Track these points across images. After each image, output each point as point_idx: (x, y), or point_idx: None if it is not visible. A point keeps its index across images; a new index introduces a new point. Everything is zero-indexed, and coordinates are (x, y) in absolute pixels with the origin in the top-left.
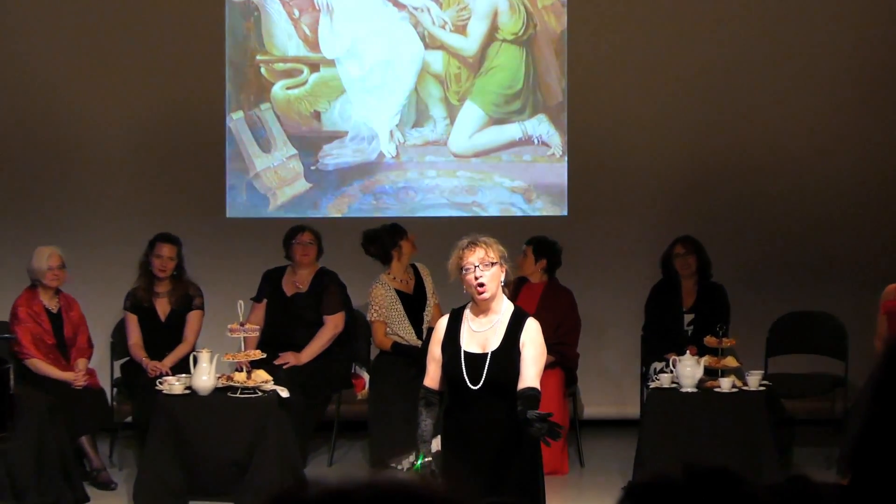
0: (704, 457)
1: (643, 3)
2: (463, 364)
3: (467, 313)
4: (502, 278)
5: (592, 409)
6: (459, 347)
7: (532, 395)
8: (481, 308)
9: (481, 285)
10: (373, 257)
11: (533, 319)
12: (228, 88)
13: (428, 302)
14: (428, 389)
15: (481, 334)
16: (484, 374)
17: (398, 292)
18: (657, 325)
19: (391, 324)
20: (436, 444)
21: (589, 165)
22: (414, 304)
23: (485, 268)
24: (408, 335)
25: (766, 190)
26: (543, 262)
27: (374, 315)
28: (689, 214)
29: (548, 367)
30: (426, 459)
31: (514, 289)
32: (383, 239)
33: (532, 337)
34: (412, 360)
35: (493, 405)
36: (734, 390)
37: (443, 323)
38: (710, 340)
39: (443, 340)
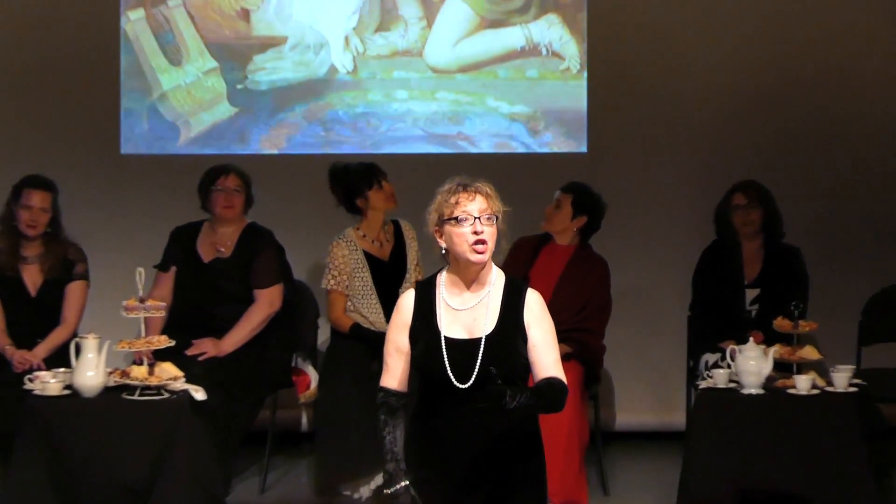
0: (772, 482)
1: None
2: (445, 355)
3: (442, 287)
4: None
5: (620, 417)
6: (438, 333)
7: (555, 384)
8: (465, 277)
9: (481, 242)
10: (340, 204)
11: (533, 290)
12: None
13: (408, 275)
14: (389, 392)
15: (466, 314)
16: (477, 368)
17: (367, 256)
18: (709, 304)
19: (354, 297)
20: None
21: (616, 85)
22: (388, 274)
23: (487, 221)
24: (374, 316)
25: (854, 125)
26: (583, 219)
27: (332, 282)
28: (750, 154)
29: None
30: (401, 485)
31: (529, 249)
32: (349, 180)
33: (538, 314)
34: (377, 350)
35: (488, 410)
36: (815, 392)
37: (407, 301)
38: (781, 324)
39: (412, 324)
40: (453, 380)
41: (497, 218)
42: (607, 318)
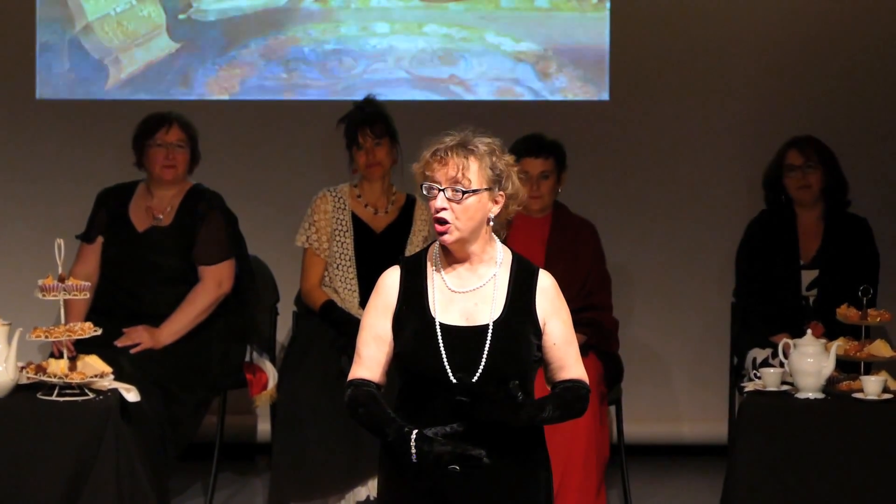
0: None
1: None
2: (441, 345)
3: (435, 263)
4: (491, 214)
5: (646, 426)
6: (431, 318)
7: (575, 389)
8: (458, 254)
9: (441, 222)
10: None
11: (546, 273)
12: None
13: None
14: (359, 382)
15: (465, 297)
16: (483, 360)
17: (356, 220)
18: (757, 289)
19: (332, 269)
20: (366, 491)
21: (644, 19)
22: (374, 249)
23: (455, 195)
24: (348, 294)
25: None
26: (564, 177)
27: (309, 240)
28: (807, 107)
29: None
30: (407, 428)
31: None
32: (346, 125)
33: (555, 303)
34: (349, 339)
35: (500, 424)
36: (886, 397)
37: (391, 280)
38: (847, 313)
39: (396, 307)
40: (451, 375)
41: (486, 188)
42: (611, 288)
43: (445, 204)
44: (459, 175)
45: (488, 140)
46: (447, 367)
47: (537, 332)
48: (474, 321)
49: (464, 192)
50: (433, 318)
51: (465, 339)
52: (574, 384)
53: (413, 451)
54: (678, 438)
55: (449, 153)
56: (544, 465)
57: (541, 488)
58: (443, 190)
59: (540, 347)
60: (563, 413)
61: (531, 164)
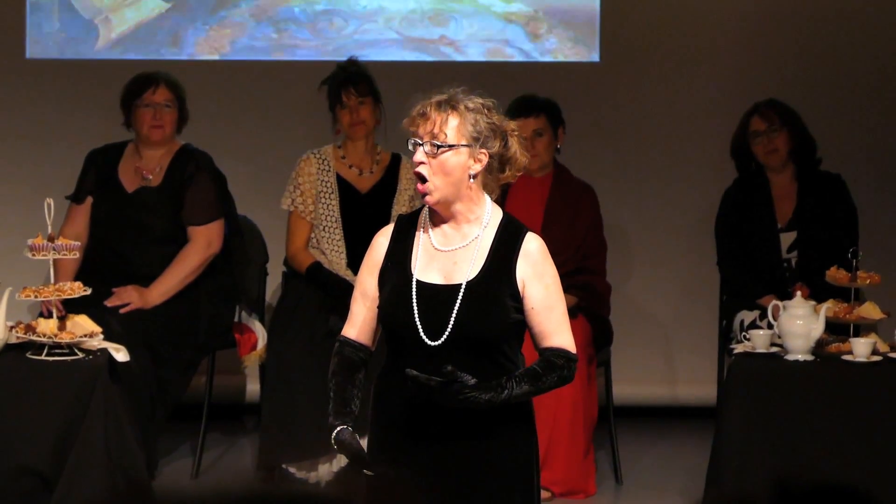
0: (823, 471)
1: None
2: (415, 302)
3: (425, 221)
4: (471, 172)
5: (635, 389)
6: (410, 275)
7: (563, 361)
8: (445, 213)
9: (421, 180)
10: None
11: (534, 236)
12: None
13: (392, 219)
14: (346, 341)
15: (446, 256)
16: (452, 321)
17: (340, 181)
18: (740, 254)
19: (317, 228)
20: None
21: None
22: (360, 209)
23: (433, 149)
24: (335, 255)
25: None
26: (561, 134)
27: (294, 203)
28: (796, 64)
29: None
30: (339, 428)
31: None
32: (329, 86)
33: (538, 266)
34: (337, 300)
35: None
36: (876, 359)
37: (384, 237)
38: (836, 275)
39: (382, 264)
40: (422, 334)
41: (468, 145)
42: (606, 254)
43: (423, 158)
44: (437, 130)
45: (480, 100)
46: (418, 324)
47: (515, 294)
48: (451, 280)
49: (439, 147)
50: (412, 276)
51: (437, 297)
52: (551, 353)
53: (333, 444)
54: (668, 400)
55: (430, 108)
56: (529, 430)
57: (525, 453)
58: (422, 144)
59: (518, 310)
60: (533, 386)
61: (525, 123)
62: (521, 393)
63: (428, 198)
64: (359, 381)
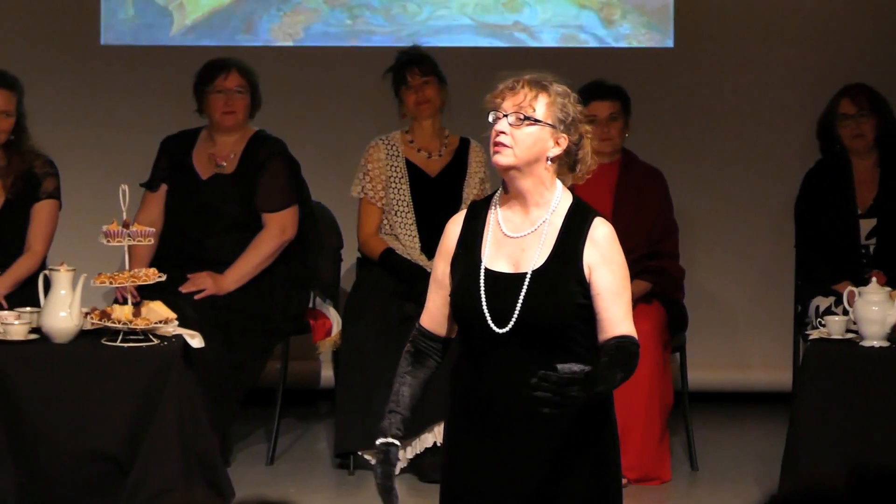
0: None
1: None
2: (483, 290)
3: (496, 207)
4: (550, 154)
5: (710, 374)
6: (478, 263)
7: (626, 347)
8: (515, 195)
9: (498, 144)
10: None
11: (603, 221)
12: None
13: (464, 203)
14: (422, 331)
15: (516, 243)
16: (518, 309)
17: (409, 166)
18: (818, 238)
19: (388, 213)
20: (431, 437)
21: None
22: (430, 193)
23: (517, 121)
24: (410, 243)
25: None
26: (629, 120)
27: (364, 189)
28: (873, 52)
29: (637, 301)
30: (383, 441)
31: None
32: (393, 70)
33: (606, 252)
34: (411, 285)
35: (532, 363)
36: None
37: (455, 224)
38: None
39: (454, 252)
40: (490, 322)
41: (550, 124)
42: (677, 237)
43: (507, 129)
44: (525, 103)
45: (566, 87)
46: (486, 312)
47: (581, 280)
48: (518, 268)
49: (525, 118)
50: (480, 263)
51: (504, 285)
52: (623, 342)
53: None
54: (743, 386)
55: (521, 83)
56: (594, 416)
57: (605, 441)
58: (506, 115)
59: (585, 296)
60: (623, 373)
61: (599, 106)
62: (617, 381)
63: (499, 157)
64: (424, 378)
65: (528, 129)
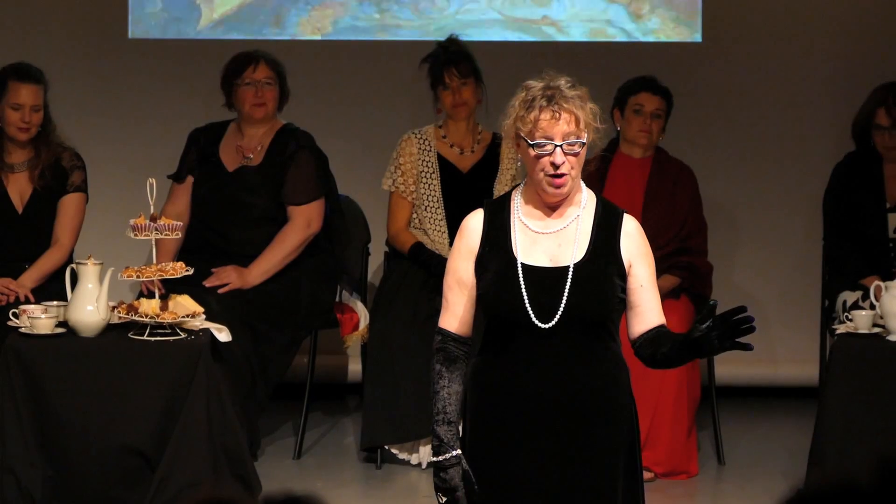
0: None
1: None
2: (523, 286)
3: (518, 204)
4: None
5: (737, 369)
6: (514, 259)
7: (670, 334)
8: (546, 196)
9: (559, 177)
10: None
11: (630, 216)
12: None
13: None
14: (448, 335)
15: (549, 238)
16: (563, 303)
17: (441, 161)
18: (846, 233)
19: (419, 208)
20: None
21: None
22: (461, 188)
23: (570, 148)
24: (437, 235)
25: None
26: (666, 125)
27: (393, 183)
28: None
29: (665, 296)
30: (452, 454)
31: (594, 167)
32: (430, 65)
33: (641, 247)
34: (439, 280)
35: (577, 356)
36: None
37: (475, 222)
38: None
39: (479, 250)
40: (532, 317)
41: (584, 143)
42: (707, 233)
43: (563, 160)
44: (573, 129)
45: (584, 90)
46: (528, 308)
47: (622, 274)
48: (558, 262)
49: (583, 145)
50: (515, 259)
51: (546, 280)
52: (654, 333)
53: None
54: (770, 380)
55: (563, 104)
56: (626, 411)
57: (621, 435)
58: (559, 146)
59: (624, 290)
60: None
61: (648, 99)
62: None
63: (563, 190)
64: (461, 383)
65: (577, 153)
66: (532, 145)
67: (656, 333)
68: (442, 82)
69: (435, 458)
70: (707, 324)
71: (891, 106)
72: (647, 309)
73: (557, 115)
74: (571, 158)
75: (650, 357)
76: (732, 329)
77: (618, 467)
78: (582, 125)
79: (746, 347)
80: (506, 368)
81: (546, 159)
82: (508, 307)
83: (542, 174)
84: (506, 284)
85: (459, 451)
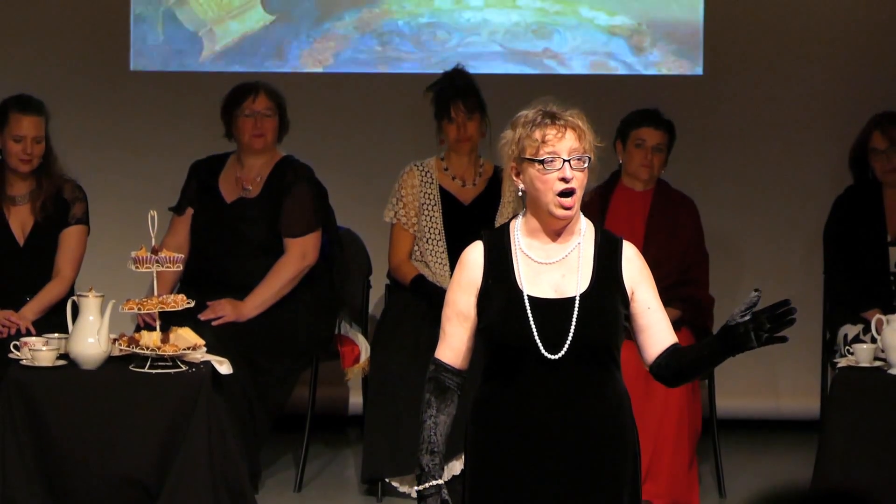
0: None
1: None
2: (530, 317)
3: (519, 235)
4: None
5: (738, 401)
6: (519, 291)
7: (690, 346)
8: (548, 227)
9: (567, 195)
10: None
11: (629, 244)
12: None
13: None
14: (442, 366)
15: (552, 269)
16: (571, 333)
17: (443, 193)
18: (847, 265)
19: (420, 240)
20: (461, 464)
21: None
22: (463, 221)
23: (577, 164)
24: (438, 267)
25: None
26: (668, 158)
27: (397, 215)
28: None
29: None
30: (433, 483)
31: (596, 197)
32: (435, 95)
33: (643, 270)
34: (439, 311)
35: (585, 385)
36: None
37: (475, 255)
38: None
39: (482, 283)
40: (541, 348)
41: (590, 159)
42: (708, 266)
43: (572, 175)
44: (578, 144)
45: (573, 108)
46: (537, 339)
47: (625, 301)
48: (563, 293)
49: (589, 159)
50: (521, 291)
51: (553, 311)
52: (670, 352)
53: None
54: (771, 413)
55: (566, 121)
56: (631, 440)
57: (627, 465)
58: (567, 161)
59: (627, 317)
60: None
61: (651, 133)
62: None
63: (572, 212)
64: (452, 414)
65: (584, 168)
66: (540, 162)
67: (674, 350)
68: (447, 115)
69: (418, 487)
70: (747, 317)
71: (886, 127)
72: (658, 330)
73: (563, 130)
74: (578, 175)
75: (676, 370)
76: (775, 322)
77: (622, 498)
78: (586, 142)
79: (782, 340)
80: (513, 399)
81: (555, 175)
82: (516, 339)
83: (550, 195)
84: (513, 316)
85: (441, 482)
